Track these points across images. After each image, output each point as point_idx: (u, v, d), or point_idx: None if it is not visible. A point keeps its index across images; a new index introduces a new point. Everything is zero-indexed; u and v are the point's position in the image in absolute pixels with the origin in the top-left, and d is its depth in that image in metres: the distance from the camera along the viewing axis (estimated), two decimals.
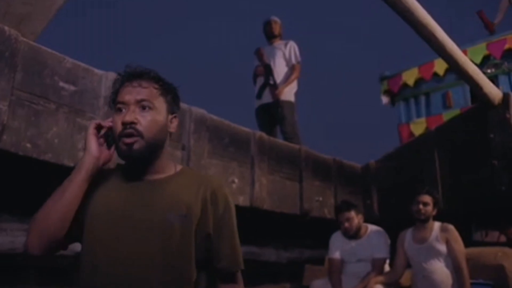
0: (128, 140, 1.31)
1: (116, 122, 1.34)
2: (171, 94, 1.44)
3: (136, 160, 1.35)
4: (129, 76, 1.40)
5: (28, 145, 2.32)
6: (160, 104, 1.39)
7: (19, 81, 2.30)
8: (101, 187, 1.38)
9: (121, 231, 1.29)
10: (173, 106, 1.45)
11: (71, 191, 1.31)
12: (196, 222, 1.34)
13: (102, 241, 1.29)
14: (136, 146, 1.31)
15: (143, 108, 1.35)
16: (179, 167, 1.47)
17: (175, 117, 1.46)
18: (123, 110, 1.35)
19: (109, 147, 1.42)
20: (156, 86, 1.40)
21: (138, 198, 1.34)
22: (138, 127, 1.32)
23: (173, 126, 1.45)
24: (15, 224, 2.67)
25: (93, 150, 1.37)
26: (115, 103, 1.39)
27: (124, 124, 1.31)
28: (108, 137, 1.41)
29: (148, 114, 1.35)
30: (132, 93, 1.35)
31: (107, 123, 1.41)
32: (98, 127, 1.41)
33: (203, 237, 1.35)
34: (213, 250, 1.37)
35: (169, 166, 1.44)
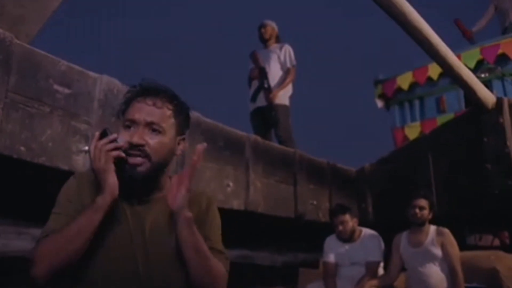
0: (133, 161, 1.29)
1: (123, 137, 1.31)
2: (183, 115, 1.42)
3: (138, 182, 1.32)
4: (144, 92, 1.36)
5: (22, 148, 2.31)
6: (171, 127, 1.36)
7: (13, 84, 2.29)
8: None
9: (121, 243, 1.30)
10: (183, 127, 1.43)
11: (90, 233, 1.24)
12: None
13: (103, 249, 1.29)
14: (140, 169, 1.29)
15: (153, 130, 1.32)
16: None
17: (183, 139, 1.43)
18: (132, 128, 1.32)
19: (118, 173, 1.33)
20: (170, 107, 1.37)
21: (137, 214, 1.34)
22: (146, 149, 1.30)
23: (180, 148, 1.43)
24: (9, 227, 2.66)
25: (115, 190, 1.28)
26: (124, 116, 1.35)
27: (131, 145, 1.29)
28: (118, 162, 1.31)
29: (157, 137, 1.32)
30: (143, 112, 1.32)
31: (118, 147, 1.29)
32: (116, 159, 1.29)
33: None
34: None
35: (166, 182, 1.43)
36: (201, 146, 1.31)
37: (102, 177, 1.28)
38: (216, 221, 1.47)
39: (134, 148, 1.28)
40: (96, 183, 1.31)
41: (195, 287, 1.31)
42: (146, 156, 1.29)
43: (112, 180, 1.28)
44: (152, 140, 1.31)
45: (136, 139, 1.28)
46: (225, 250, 1.44)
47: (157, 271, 1.31)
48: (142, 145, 1.29)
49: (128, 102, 1.37)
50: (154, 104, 1.33)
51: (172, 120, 1.37)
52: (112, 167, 1.28)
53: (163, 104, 1.35)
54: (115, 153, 1.28)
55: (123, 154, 1.29)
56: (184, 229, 1.29)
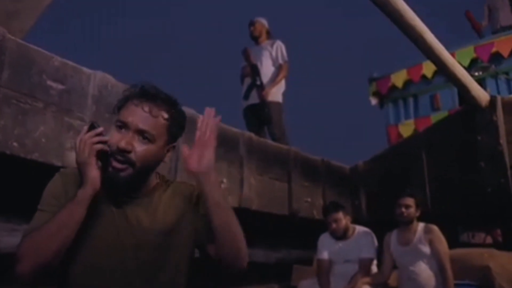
0: (117, 166, 1.27)
1: (112, 138, 1.29)
2: (177, 125, 1.39)
3: (120, 186, 1.31)
4: (143, 94, 1.33)
5: (15, 144, 2.30)
6: (162, 136, 1.34)
7: (6, 79, 2.28)
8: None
9: (108, 242, 1.30)
10: (176, 136, 1.41)
11: (72, 226, 1.23)
12: (182, 235, 1.38)
13: (90, 248, 1.29)
14: (123, 174, 1.28)
15: (143, 138, 1.30)
16: (157, 179, 1.45)
17: (173, 147, 1.41)
18: (123, 130, 1.30)
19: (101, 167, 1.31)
20: (166, 116, 1.34)
21: (123, 214, 1.33)
22: (131, 156, 1.28)
23: (168, 155, 1.41)
24: (1, 224, 2.64)
25: (97, 183, 1.27)
26: (118, 113, 1.33)
27: (118, 149, 1.27)
28: (101, 155, 1.30)
29: (146, 146, 1.30)
30: (137, 117, 1.30)
31: (102, 140, 1.29)
32: (98, 153, 1.28)
33: (191, 239, 1.40)
34: (200, 239, 1.39)
35: (152, 180, 1.42)
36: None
37: (84, 170, 1.26)
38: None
39: (120, 152, 1.27)
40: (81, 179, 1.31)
41: (224, 249, 1.31)
42: (130, 163, 1.28)
43: (93, 173, 1.26)
44: (139, 148, 1.29)
45: (123, 144, 1.26)
46: None
47: (145, 266, 1.31)
48: (129, 152, 1.27)
49: (124, 101, 1.35)
50: (149, 111, 1.30)
51: (165, 129, 1.35)
52: (94, 160, 1.26)
53: (158, 112, 1.32)
54: (98, 146, 1.27)
55: (107, 148, 1.28)
56: (215, 190, 1.32)
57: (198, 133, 1.36)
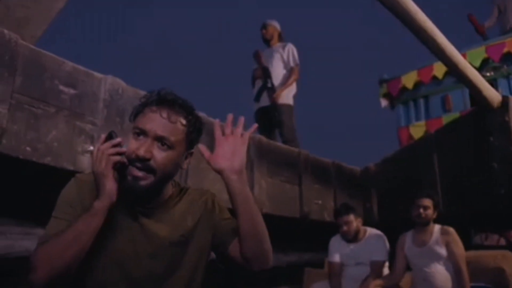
0: (137, 174, 1.26)
1: (131, 145, 1.28)
2: (195, 131, 1.38)
3: (139, 194, 1.30)
4: (160, 101, 1.32)
5: (28, 148, 2.32)
6: (181, 142, 1.33)
7: (19, 85, 2.30)
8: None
9: (122, 254, 1.30)
10: (194, 142, 1.40)
11: (88, 237, 1.22)
12: (198, 244, 1.38)
13: (104, 257, 1.29)
14: (143, 183, 1.26)
15: (162, 144, 1.28)
16: (173, 187, 1.44)
17: (191, 153, 1.41)
18: (141, 137, 1.28)
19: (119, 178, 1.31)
20: (184, 122, 1.33)
21: (138, 224, 1.33)
22: (152, 163, 1.26)
23: (186, 162, 1.41)
24: (14, 227, 2.67)
25: (113, 194, 1.26)
26: (135, 121, 1.32)
27: (137, 157, 1.25)
28: (120, 168, 1.29)
29: (165, 153, 1.29)
30: (156, 124, 1.28)
31: (120, 151, 1.27)
32: (115, 165, 1.27)
33: (208, 248, 1.41)
34: (220, 242, 1.41)
35: (169, 187, 1.41)
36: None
37: (100, 181, 1.25)
38: (224, 211, 1.47)
39: (139, 160, 1.26)
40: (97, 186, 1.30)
41: (250, 247, 1.33)
42: (151, 170, 1.27)
43: (110, 185, 1.25)
44: (159, 155, 1.28)
45: (142, 152, 1.25)
46: None
47: (160, 275, 1.31)
48: (148, 160, 1.26)
49: (142, 108, 1.33)
50: (168, 118, 1.29)
51: (184, 135, 1.34)
52: (111, 171, 1.25)
53: (177, 119, 1.31)
54: (116, 158, 1.26)
55: (124, 160, 1.27)
56: (246, 188, 1.35)
57: (227, 131, 1.37)
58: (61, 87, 2.51)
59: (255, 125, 1.41)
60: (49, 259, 1.20)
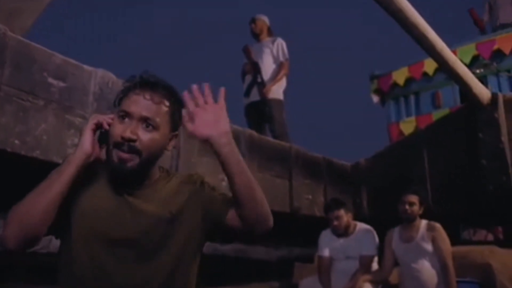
0: (123, 155, 1.28)
1: (116, 129, 1.30)
2: (179, 112, 1.40)
3: (126, 176, 1.31)
4: (143, 84, 1.34)
5: (17, 141, 2.30)
6: (165, 123, 1.35)
7: (7, 77, 2.28)
8: (88, 184, 1.34)
9: (109, 231, 1.29)
10: (178, 124, 1.41)
11: (59, 185, 1.24)
12: (187, 224, 1.37)
13: (87, 240, 1.28)
14: (129, 164, 1.28)
15: (147, 126, 1.30)
16: (160, 171, 1.45)
17: (175, 135, 1.42)
18: (126, 120, 1.30)
19: (100, 146, 1.36)
20: (167, 103, 1.35)
21: (126, 203, 1.33)
22: (137, 145, 1.28)
23: (172, 144, 1.42)
24: (2, 221, 2.65)
25: (87, 146, 1.30)
26: (120, 105, 1.34)
27: (123, 138, 1.27)
28: (102, 135, 1.35)
29: (150, 134, 1.30)
30: (140, 105, 1.30)
31: (106, 120, 1.34)
32: (98, 125, 1.34)
33: (199, 229, 1.39)
34: (216, 215, 1.39)
35: (155, 172, 1.42)
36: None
37: (81, 137, 1.33)
38: (215, 189, 1.47)
39: (125, 142, 1.27)
40: (89, 169, 1.33)
41: (248, 209, 1.33)
42: (136, 152, 1.28)
43: (86, 137, 1.31)
44: (144, 136, 1.29)
45: (128, 134, 1.27)
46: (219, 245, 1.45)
47: (150, 254, 1.31)
48: (134, 141, 1.28)
49: (125, 92, 1.35)
50: (151, 99, 1.31)
51: (168, 117, 1.35)
52: (92, 127, 1.32)
53: (160, 100, 1.33)
54: (100, 117, 1.34)
55: (106, 126, 1.32)
56: (236, 150, 1.37)
57: (200, 101, 1.37)
58: (50, 80, 2.49)
59: (223, 89, 1.41)
60: (20, 212, 1.21)
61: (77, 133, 2.59)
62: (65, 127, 2.55)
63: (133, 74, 1.38)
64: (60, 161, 2.40)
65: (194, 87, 1.37)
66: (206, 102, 1.37)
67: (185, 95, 1.37)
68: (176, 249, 1.34)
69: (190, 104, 1.36)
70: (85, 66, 2.72)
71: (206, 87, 1.38)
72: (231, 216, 1.36)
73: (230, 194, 1.36)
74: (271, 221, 1.37)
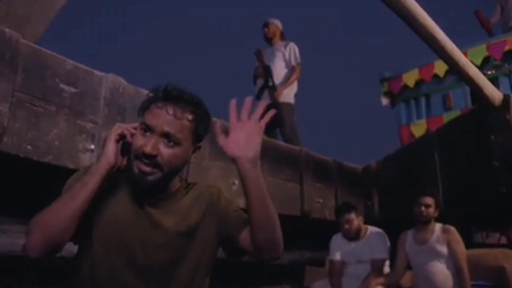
0: (144, 169, 1.27)
1: (138, 141, 1.29)
2: (203, 125, 1.37)
3: (147, 189, 1.31)
4: (166, 97, 1.32)
5: (29, 147, 2.32)
6: (187, 137, 1.33)
7: (20, 83, 2.30)
8: (109, 193, 1.35)
9: (128, 242, 1.30)
10: (201, 137, 1.39)
11: (83, 196, 1.25)
12: (203, 236, 1.38)
13: (108, 248, 1.29)
14: (151, 178, 1.28)
15: (169, 141, 1.29)
16: (180, 181, 1.45)
17: (198, 147, 1.41)
18: (148, 134, 1.29)
19: (123, 155, 1.36)
20: (190, 117, 1.33)
21: (146, 214, 1.34)
22: (159, 160, 1.27)
23: (194, 156, 1.41)
24: (16, 226, 2.67)
25: (111, 157, 1.31)
26: (143, 117, 1.33)
27: (144, 154, 1.26)
28: (125, 145, 1.35)
29: (172, 149, 1.29)
30: (162, 119, 1.28)
31: (130, 130, 1.34)
32: (121, 136, 1.34)
33: (213, 241, 1.40)
34: (229, 233, 1.39)
35: (176, 181, 1.42)
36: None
37: (105, 147, 1.33)
38: (232, 204, 1.46)
39: (146, 157, 1.27)
40: (111, 178, 1.34)
41: (262, 233, 1.31)
42: (157, 166, 1.28)
43: (110, 147, 1.31)
44: (165, 151, 1.28)
45: (149, 149, 1.26)
46: None
47: (165, 267, 1.31)
48: (154, 156, 1.27)
49: (148, 104, 1.34)
50: (174, 114, 1.29)
51: (190, 131, 1.34)
52: (115, 137, 1.32)
53: (183, 114, 1.31)
54: (124, 128, 1.34)
55: (128, 133, 1.33)
56: (260, 175, 1.32)
57: (244, 116, 1.32)
58: (62, 86, 2.51)
59: (264, 104, 1.37)
60: (44, 221, 1.22)
61: (89, 138, 2.61)
62: (76, 132, 2.57)
63: (157, 84, 1.36)
64: (72, 166, 2.45)
65: (248, 100, 1.33)
66: (248, 118, 1.33)
67: (232, 105, 1.33)
68: (192, 262, 1.35)
69: (232, 114, 1.32)
70: (96, 72, 2.74)
71: (248, 101, 1.33)
72: (244, 237, 1.36)
73: (243, 203, 1.36)
74: (281, 249, 1.35)
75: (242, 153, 1.29)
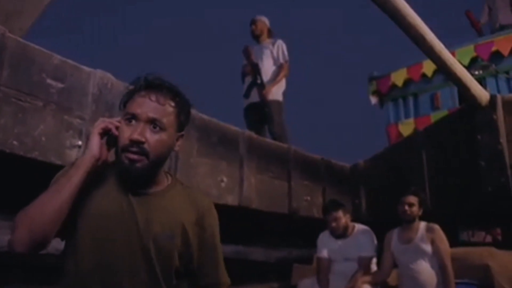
0: (132, 157, 1.29)
1: (123, 133, 1.31)
2: (184, 112, 1.41)
3: (136, 177, 1.33)
4: (148, 86, 1.35)
5: (15, 142, 2.30)
6: (172, 124, 1.36)
7: (6, 78, 2.28)
8: (95, 188, 1.35)
9: (112, 236, 1.29)
10: (184, 124, 1.43)
11: (68, 189, 1.25)
12: (181, 242, 1.37)
13: (94, 242, 1.28)
14: (139, 165, 1.29)
15: (154, 127, 1.32)
16: (170, 179, 1.46)
17: (182, 135, 1.44)
18: (133, 122, 1.31)
19: (109, 149, 1.37)
20: (173, 104, 1.37)
21: (131, 210, 1.33)
22: (146, 146, 1.29)
23: (178, 144, 1.43)
24: (2, 222, 2.64)
25: (95, 150, 1.32)
26: (125, 108, 1.35)
27: (131, 141, 1.28)
28: (110, 138, 1.36)
29: (158, 135, 1.32)
30: (146, 107, 1.32)
31: (114, 124, 1.36)
32: (105, 130, 1.35)
33: (187, 256, 1.39)
34: (196, 268, 1.41)
35: (162, 177, 1.43)
36: None
37: (89, 141, 1.34)
38: (215, 230, 1.48)
39: (133, 144, 1.28)
40: (96, 172, 1.34)
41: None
42: (145, 153, 1.29)
43: (94, 141, 1.33)
44: (152, 137, 1.31)
45: (136, 136, 1.28)
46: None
47: (149, 265, 1.31)
48: (142, 143, 1.29)
49: (130, 95, 1.36)
50: (157, 100, 1.33)
51: (174, 117, 1.37)
52: (99, 131, 1.33)
53: (165, 101, 1.35)
54: (108, 122, 1.35)
55: (112, 127, 1.34)
56: None
57: None
58: (49, 81, 2.49)
59: None
60: (29, 215, 1.22)
61: (76, 134, 2.59)
62: (63, 128, 2.55)
63: (137, 76, 1.38)
64: (59, 162, 2.43)
65: None
66: None
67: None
68: (175, 264, 1.35)
69: None
70: (84, 67, 2.72)
71: None
72: (199, 270, 1.42)
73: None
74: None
75: None
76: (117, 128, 1.34)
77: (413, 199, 3.54)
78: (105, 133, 1.35)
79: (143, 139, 1.29)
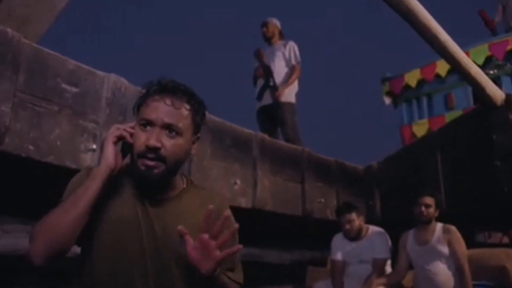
0: (149, 163, 1.26)
1: (139, 139, 1.28)
2: (199, 115, 1.38)
3: (153, 184, 1.31)
4: (162, 90, 1.32)
5: (31, 147, 2.32)
6: (188, 127, 1.33)
7: (22, 83, 2.31)
8: (112, 195, 1.33)
9: (130, 244, 1.29)
10: (199, 126, 1.40)
11: (85, 201, 1.24)
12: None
13: (109, 249, 1.28)
14: (156, 171, 1.27)
15: (170, 131, 1.29)
16: (185, 181, 1.44)
17: (197, 138, 1.40)
18: (148, 127, 1.29)
19: (123, 156, 1.35)
20: (188, 107, 1.33)
21: (147, 217, 1.32)
22: (162, 152, 1.27)
23: (195, 147, 1.40)
24: (18, 225, 2.68)
25: (111, 160, 1.30)
26: (139, 113, 1.33)
27: (148, 147, 1.26)
28: (125, 145, 1.34)
29: (174, 140, 1.29)
30: (161, 112, 1.28)
31: (128, 130, 1.33)
32: (119, 137, 1.33)
33: None
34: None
35: (178, 181, 1.41)
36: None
37: (102, 148, 1.32)
38: (235, 240, 1.39)
39: (150, 150, 1.26)
40: (113, 179, 1.32)
41: None
42: (162, 159, 1.27)
43: (109, 149, 1.30)
44: (168, 143, 1.28)
45: (152, 142, 1.25)
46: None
47: (165, 273, 1.30)
48: (159, 148, 1.26)
49: (144, 99, 1.34)
50: (172, 104, 1.29)
51: (190, 120, 1.34)
52: (113, 139, 1.31)
53: (181, 104, 1.31)
54: (122, 129, 1.33)
55: (126, 134, 1.32)
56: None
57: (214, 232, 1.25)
58: (64, 86, 2.51)
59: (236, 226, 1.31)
60: (47, 228, 1.20)
61: (90, 138, 2.62)
62: (78, 132, 2.57)
63: (150, 80, 1.36)
64: (74, 166, 2.45)
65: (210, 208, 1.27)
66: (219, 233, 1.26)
67: (206, 214, 1.26)
68: (187, 268, 1.31)
69: (204, 228, 1.25)
70: (98, 72, 2.74)
71: (227, 215, 1.27)
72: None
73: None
74: None
75: (197, 261, 1.25)
76: (131, 134, 1.32)
77: (429, 200, 3.51)
78: (120, 140, 1.33)
79: (159, 145, 1.26)
